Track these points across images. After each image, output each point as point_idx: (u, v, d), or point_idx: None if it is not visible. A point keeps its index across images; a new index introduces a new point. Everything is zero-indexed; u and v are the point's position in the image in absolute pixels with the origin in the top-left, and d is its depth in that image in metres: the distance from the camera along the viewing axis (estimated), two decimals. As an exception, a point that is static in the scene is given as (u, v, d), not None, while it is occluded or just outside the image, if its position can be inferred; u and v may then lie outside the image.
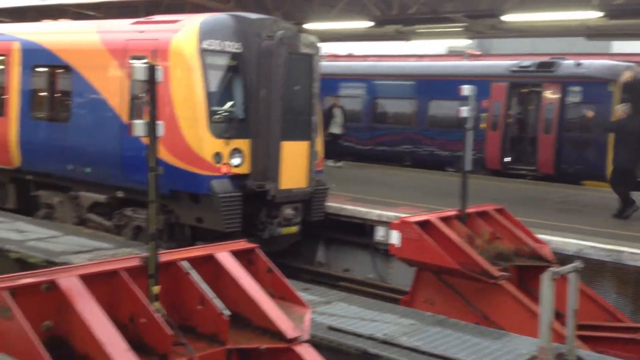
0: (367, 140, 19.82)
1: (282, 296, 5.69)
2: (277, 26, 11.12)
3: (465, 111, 8.66)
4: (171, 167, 10.13)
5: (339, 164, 17.82)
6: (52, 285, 4.54)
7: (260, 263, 5.84)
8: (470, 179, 8.97)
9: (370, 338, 6.04)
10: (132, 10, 18.16)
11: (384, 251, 11.34)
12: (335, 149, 17.36)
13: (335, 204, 12.14)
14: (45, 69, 12.62)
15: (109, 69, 11.44)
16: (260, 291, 5.43)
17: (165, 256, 5.29)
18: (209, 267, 5.51)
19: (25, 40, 12.94)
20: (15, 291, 4.33)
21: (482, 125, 17.11)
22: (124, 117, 11.01)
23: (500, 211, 9.24)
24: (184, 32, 10.74)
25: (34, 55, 12.70)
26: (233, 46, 10.77)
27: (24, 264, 9.45)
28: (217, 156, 10.43)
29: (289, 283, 5.88)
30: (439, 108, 18.50)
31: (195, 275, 5.26)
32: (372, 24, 17.76)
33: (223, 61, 10.82)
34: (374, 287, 11.32)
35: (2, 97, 13.10)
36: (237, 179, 10.59)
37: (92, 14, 20.12)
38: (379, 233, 11.42)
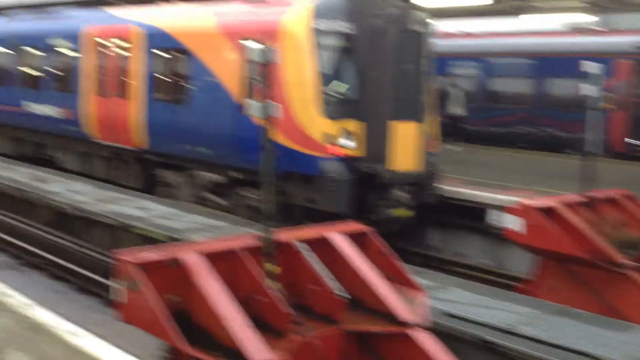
0: (481, 121, 19.21)
1: (396, 279, 5.63)
2: (388, 4, 10.94)
3: (586, 89, 8.16)
4: (283, 148, 10.27)
5: (458, 148, 17.17)
6: (176, 261, 4.73)
7: (374, 246, 5.81)
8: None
9: (489, 326, 5.86)
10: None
11: (497, 236, 10.98)
12: (453, 132, 16.91)
13: (448, 187, 11.87)
14: (165, 53, 13.12)
15: (224, 51, 11.73)
16: (374, 274, 5.40)
17: (280, 236, 5.37)
18: (323, 247, 5.54)
19: (146, 25, 13.50)
20: (143, 265, 4.54)
21: (605, 105, 16.11)
22: (238, 98, 11.27)
23: (629, 197, 8.66)
24: (296, 13, 10.81)
25: (154, 39, 13.24)
26: (345, 26, 10.72)
27: (147, 240, 9.96)
28: (329, 137, 10.47)
29: (403, 266, 5.81)
30: (558, 87, 17.60)
31: (309, 256, 5.31)
32: (489, 0, 17.11)
33: (335, 41, 10.80)
34: (487, 273, 10.99)
35: (126, 80, 13.76)
36: (348, 161, 10.58)
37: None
38: (493, 217, 11.06)
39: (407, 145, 10.73)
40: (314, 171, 10.49)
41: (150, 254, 4.77)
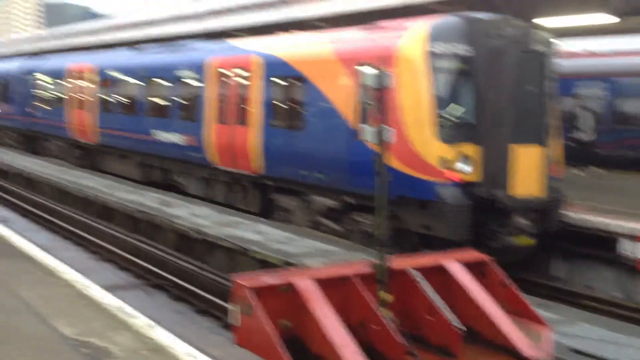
0: (610, 144, 18.10)
1: (518, 312, 5.33)
2: (508, 24, 10.62)
3: None
4: (398, 173, 10.13)
5: (585, 172, 16.20)
6: (290, 287, 4.73)
7: (493, 275, 5.53)
8: None
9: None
10: (364, 19, 18.65)
11: (630, 267, 10.21)
12: (580, 155, 16.05)
13: (574, 214, 11.20)
14: (283, 80, 13.44)
15: (339, 77, 11.83)
16: (494, 305, 5.14)
17: (394, 263, 5.23)
18: (439, 276, 5.35)
19: (265, 54, 13.92)
20: (257, 290, 4.57)
21: None
22: (353, 123, 11.29)
23: None
24: (411, 37, 10.71)
25: (272, 67, 13.61)
26: (462, 48, 10.50)
27: (263, 264, 10.13)
28: (445, 162, 10.22)
29: (526, 298, 5.49)
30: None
31: (424, 284, 5.13)
32: (614, 19, 16.16)
33: (452, 64, 10.59)
34: (617, 307, 10.21)
35: (245, 107, 14.21)
36: (466, 186, 10.26)
37: (326, 26, 21.09)
38: (625, 247, 10.29)
39: (529, 170, 10.26)
40: (429, 196, 10.26)
41: (264, 279, 4.80)
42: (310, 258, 9.85)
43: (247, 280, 4.64)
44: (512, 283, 5.40)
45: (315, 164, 12.25)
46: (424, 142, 10.32)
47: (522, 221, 10.41)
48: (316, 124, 12.34)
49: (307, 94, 12.57)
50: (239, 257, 10.84)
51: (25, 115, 25.82)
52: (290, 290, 4.74)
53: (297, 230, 12.21)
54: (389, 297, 4.89)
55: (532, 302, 5.67)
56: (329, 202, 12.25)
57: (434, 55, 10.39)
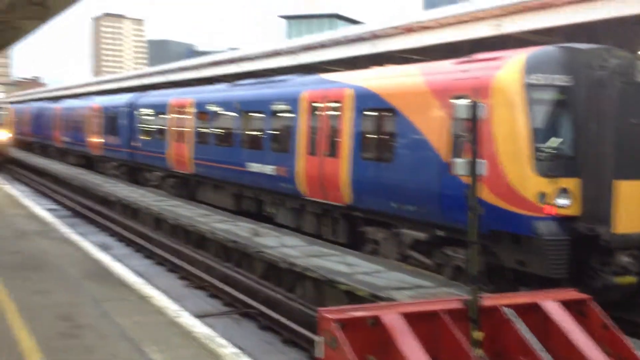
0: None
1: (620, 356, 4.95)
2: (610, 55, 10.19)
3: None
4: (492, 206, 9.83)
5: None
6: (377, 321, 4.61)
7: (594, 317, 5.19)
8: None
9: None
10: (455, 50, 18.50)
11: None
12: None
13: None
14: (373, 113, 13.44)
15: (431, 109, 11.69)
16: (594, 348, 4.80)
17: (487, 300, 5.02)
18: (534, 315, 5.08)
19: (356, 86, 13.99)
20: (343, 323, 4.48)
21: None
22: (445, 156, 11.09)
23: None
24: (507, 68, 10.46)
25: (363, 99, 13.65)
26: (561, 79, 10.14)
27: (351, 296, 10.03)
28: (542, 196, 9.81)
29: (629, 342, 5.10)
30: None
31: (519, 324, 4.88)
32: None
33: (550, 95, 10.24)
34: None
35: (336, 139, 14.30)
36: (564, 221, 9.81)
37: (417, 58, 21.07)
38: None
39: (635, 206, 9.69)
40: (525, 231, 9.86)
41: (351, 312, 4.71)
42: (398, 291, 9.67)
43: (333, 312, 4.56)
44: (614, 325, 5.04)
45: (406, 196, 12.09)
46: (520, 175, 9.98)
47: (626, 259, 9.81)
48: (407, 156, 12.22)
49: (398, 126, 12.49)
50: (326, 288, 10.80)
51: (129, 147, 27.14)
52: (376, 324, 4.62)
53: (385, 262, 12.05)
54: (480, 336, 4.68)
55: (636, 346, 5.26)
56: (419, 235, 12.03)
57: (531, 86, 10.09)
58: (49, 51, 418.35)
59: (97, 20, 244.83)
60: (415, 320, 4.74)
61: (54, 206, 23.83)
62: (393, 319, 4.63)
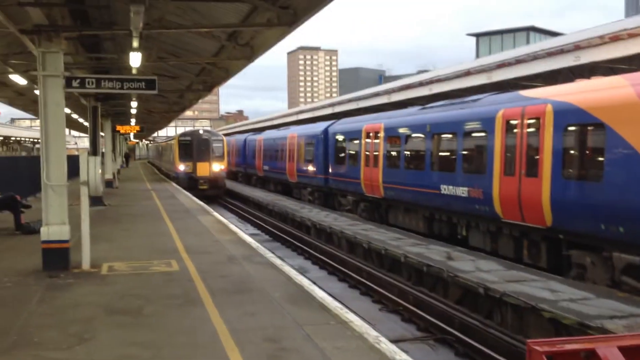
0: None
1: None
2: None
3: None
4: None
5: None
6: (592, 355, 4.15)
7: None
8: None
9: None
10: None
11: None
12: None
13: None
14: (577, 128, 12.53)
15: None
16: None
17: None
18: None
19: (557, 102, 13.15)
20: (553, 357, 4.09)
21: None
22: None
23: None
24: None
25: (565, 115, 12.78)
26: None
27: (555, 324, 9.31)
28: None
29: None
30: None
31: None
32: None
33: None
34: None
35: (535, 158, 13.53)
36: None
37: (625, 67, 19.45)
38: None
39: None
40: None
41: (562, 344, 4.29)
42: (611, 320, 8.78)
43: (542, 344, 4.18)
44: None
45: (617, 217, 11.05)
46: None
47: None
48: (618, 174, 11.20)
49: (607, 142, 11.50)
50: (527, 315, 10.15)
51: (324, 173, 28.11)
52: (590, 358, 4.15)
53: (594, 288, 11.06)
54: None
55: None
56: (634, 259, 10.90)
57: None
58: (250, 85, 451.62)
59: (292, 54, 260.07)
60: (635, 355, 4.19)
61: (256, 231, 25.34)
62: (612, 354, 4.13)
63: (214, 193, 36.53)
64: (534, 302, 9.95)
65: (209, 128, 44.02)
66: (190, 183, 35.93)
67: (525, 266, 13.33)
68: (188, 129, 50.47)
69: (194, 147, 36.77)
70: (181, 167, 36.87)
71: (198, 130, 39.29)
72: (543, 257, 13.60)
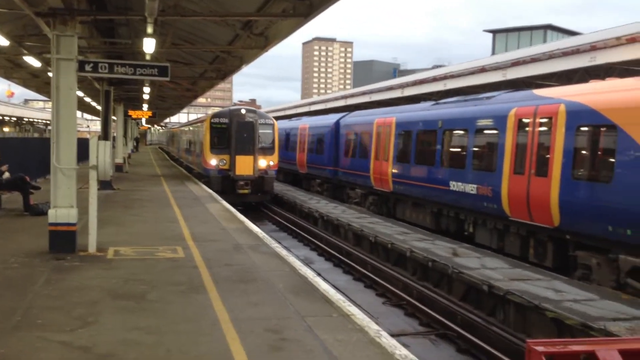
0: None
1: None
2: None
3: None
4: None
5: None
6: (592, 357, 4.13)
7: None
8: None
9: None
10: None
11: None
12: None
13: None
14: (589, 129, 12.44)
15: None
16: None
17: None
18: None
19: (570, 102, 13.06)
20: (553, 357, 4.08)
21: None
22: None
23: None
24: None
25: (578, 116, 12.69)
26: None
27: (558, 324, 9.28)
28: None
29: None
30: None
31: None
32: None
33: None
34: None
35: (546, 157, 13.46)
36: None
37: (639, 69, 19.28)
38: None
39: None
40: None
41: (562, 345, 4.27)
42: (614, 323, 8.75)
43: (542, 345, 4.17)
44: None
45: (625, 219, 10.99)
46: None
47: None
48: (629, 176, 11.12)
49: (618, 144, 11.42)
50: (530, 314, 10.12)
51: (333, 165, 28.08)
52: (590, 360, 4.13)
53: (598, 290, 11.02)
54: None
55: None
56: (639, 262, 10.84)
57: None
58: (264, 74, 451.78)
59: (307, 44, 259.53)
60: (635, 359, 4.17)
61: (263, 221, 25.37)
62: (611, 357, 4.11)
63: (257, 199, 26.35)
64: (537, 302, 9.92)
65: (252, 108, 27.61)
66: (226, 185, 25.31)
67: (531, 265, 13.29)
68: (217, 109, 31.34)
69: (232, 132, 25.46)
70: (213, 162, 25.68)
71: (239, 110, 26.51)
72: (549, 257, 13.55)
